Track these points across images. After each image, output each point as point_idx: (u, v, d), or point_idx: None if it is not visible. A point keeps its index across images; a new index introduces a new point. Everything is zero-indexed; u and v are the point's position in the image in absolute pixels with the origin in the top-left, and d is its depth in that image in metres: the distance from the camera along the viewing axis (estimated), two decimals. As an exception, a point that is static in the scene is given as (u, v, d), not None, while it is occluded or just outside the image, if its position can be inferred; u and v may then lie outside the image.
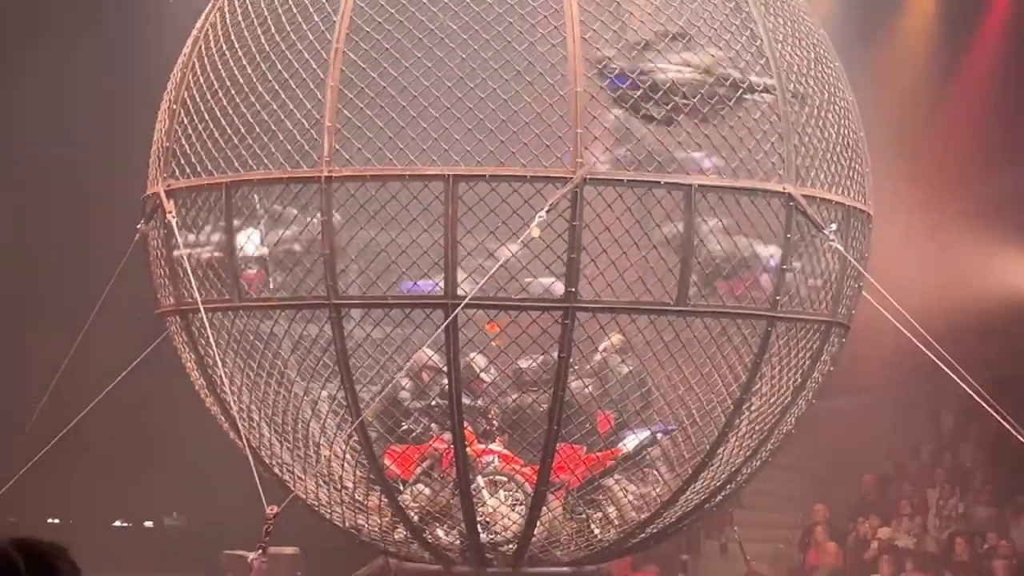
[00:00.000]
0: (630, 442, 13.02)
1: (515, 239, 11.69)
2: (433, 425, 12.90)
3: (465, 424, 12.44)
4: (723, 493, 13.79)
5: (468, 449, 12.49)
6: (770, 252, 12.33)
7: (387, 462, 12.77)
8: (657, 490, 13.07)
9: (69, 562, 2.92)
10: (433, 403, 12.82)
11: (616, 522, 13.17)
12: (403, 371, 12.57)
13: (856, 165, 13.13)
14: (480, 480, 12.81)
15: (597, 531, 13.15)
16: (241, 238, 12.44)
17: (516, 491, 12.90)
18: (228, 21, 12.86)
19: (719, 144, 12.21)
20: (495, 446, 13.10)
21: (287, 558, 17.33)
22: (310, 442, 13.10)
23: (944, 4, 25.65)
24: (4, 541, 2.90)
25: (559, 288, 11.87)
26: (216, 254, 12.59)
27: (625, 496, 13.11)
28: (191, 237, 12.71)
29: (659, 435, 13.05)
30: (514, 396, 13.10)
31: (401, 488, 12.81)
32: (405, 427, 12.90)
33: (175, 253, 12.79)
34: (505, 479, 12.96)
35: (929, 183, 23.33)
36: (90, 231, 20.35)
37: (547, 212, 11.49)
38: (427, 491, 12.87)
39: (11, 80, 21.82)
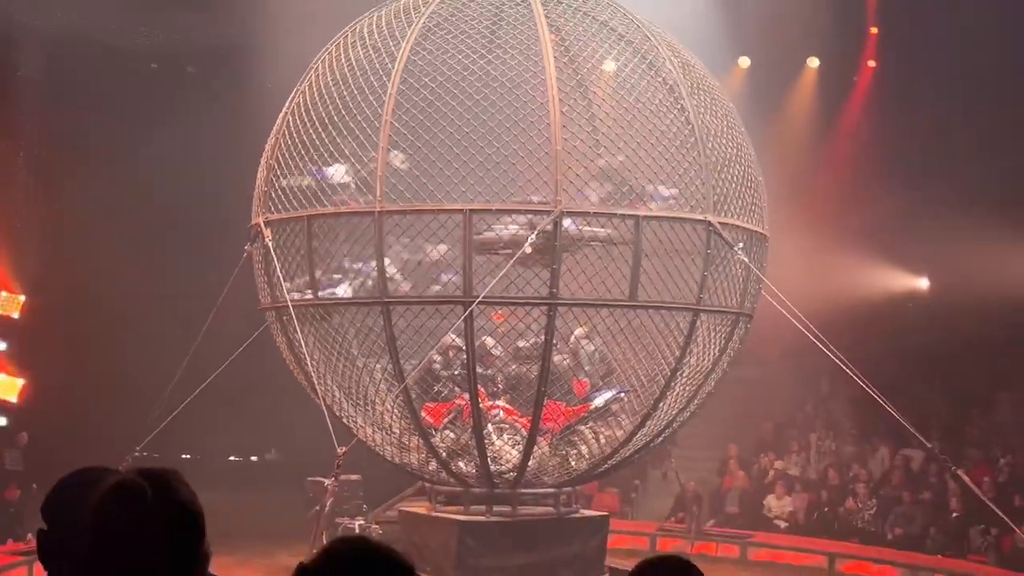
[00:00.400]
0: (599, 400, 13.06)
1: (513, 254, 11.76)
2: (456, 388, 12.96)
3: (479, 387, 12.53)
4: (663, 435, 13.85)
5: (481, 405, 12.58)
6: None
7: (424, 414, 12.84)
8: (618, 433, 13.11)
9: (183, 482, 2.92)
10: (456, 372, 12.88)
11: (587, 456, 13.21)
12: (434, 349, 12.62)
13: (757, 200, 13.17)
14: (490, 427, 12.87)
15: (573, 463, 13.19)
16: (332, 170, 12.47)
17: (515, 435, 12.94)
18: (307, 101, 12.93)
19: (669, 186, 12.30)
20: (500, 402, 13.15)
21: (352, 483, 17.30)
22: (368, 400, 13.16)
23: (822, 85, 25.69)
24: (132, 472, 2.93)
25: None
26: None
27: (596, 438, 13.15)
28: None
29: (622, 395, 13.12)
30: (513, 367, 13.18)
31: (433, 433, 12.86)
32: (436, 389, 12.95)
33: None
34: (507, 426, 13.01)
35: (812, 213, 23.29)
36: (209, 251, 20.37)
37: (536, 235, 11.54)
38: (452, 435, 12.91)
39: (152, 142, 21.87)
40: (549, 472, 13.15)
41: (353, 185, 12.26)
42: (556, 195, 11.67)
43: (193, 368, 14.10)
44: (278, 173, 12.88)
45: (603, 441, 13.20)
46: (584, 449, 13.20)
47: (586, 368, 13.16)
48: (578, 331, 12.96)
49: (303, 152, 12.55)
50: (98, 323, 22.77)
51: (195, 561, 2.91)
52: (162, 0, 22.75)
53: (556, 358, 12.68)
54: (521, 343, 13.17)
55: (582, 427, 13.12)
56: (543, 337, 12.10)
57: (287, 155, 12.78)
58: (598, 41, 12.85)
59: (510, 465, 12.87)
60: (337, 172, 12.25)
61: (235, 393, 19.79)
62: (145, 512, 2.82)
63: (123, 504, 2.84)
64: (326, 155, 12.32)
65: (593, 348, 13.05)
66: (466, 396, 12.54)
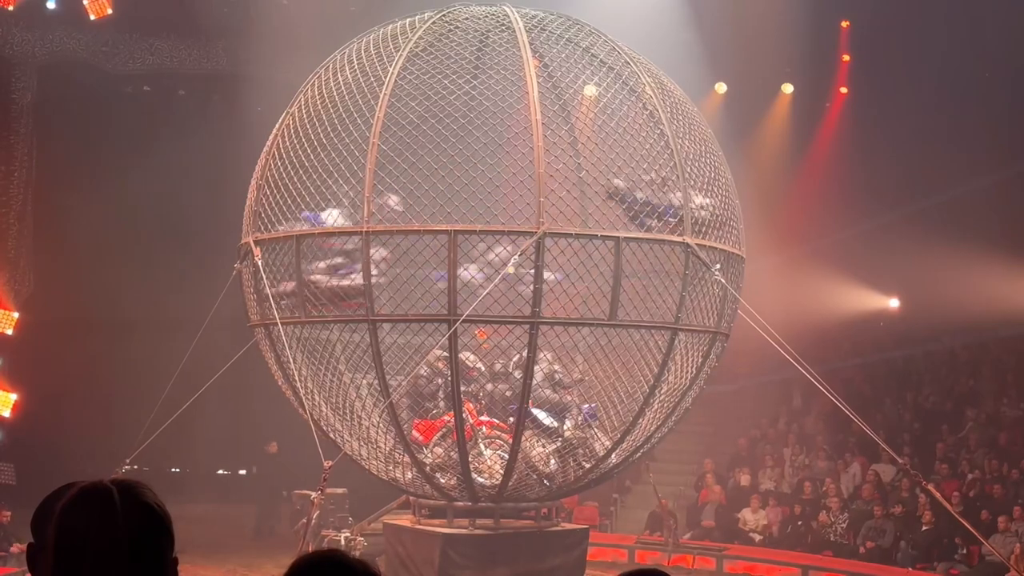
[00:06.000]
0: (543, 418, 12.96)
1: (497, 274, 11.73)
2: (443, 404, 12.94)
3: (467, 401, 12.53)
4: (642, 451, 13.82)
5: (470, 420, 12.56)
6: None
7: (414, 431, 12.82)
8: (603, 443, 13.08)
9: (151, 491, 2.86)
10: (441, 391, 12.88)
11: (559, 479, 13.14)
12: (422, 364, 12.57)
13: (733, 223, 13.18)
14: (480, 442, 12.85)
15: (547, 483, 13.13)
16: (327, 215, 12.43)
17: (500, 449, 12.91)
18: (297, 122, 12.90)
19: (650, 212, 12.29)
20: (484, 417, 13.12)
21: (338, 496, 17.25)
22: (355, 415, 13.11)
23: (796, 111, 25.83)
24: (102, 480, 2.86)
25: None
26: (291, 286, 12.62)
27: (567, 463, 13.10)
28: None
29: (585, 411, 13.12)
30: (489, 386, 13.18)
31: (421, 449, 12.81)
32: (426, 407, 12.93)
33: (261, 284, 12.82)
34: (492, 439, 12.99)
35: (786, 234, 23.43)
36: (199, 269, 20.30)
37: (519, 256, 11.52)
38: (440, 451, 12.87)
39: (144, 162, 21.81)
40: (530, 487, 13.10)
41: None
42: (539, 217, 11.65)
43: (183, 383, 14.03)
44: (268, 193, 12.83)
45: (581, 460, 13.17)
46: (544, 468, 13.09)
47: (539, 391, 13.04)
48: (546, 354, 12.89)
49: (292, 173, 12.52)
50: (90, 339, 22.70)
51: (163, 565, 2.83)
52: (154, 25, 22.74)
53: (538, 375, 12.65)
54: (497, 365, 13.17)
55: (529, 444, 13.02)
56: (525, 354, 12.08)
57: (277, 175, 12.75)
58: (580, 67, 12.86)
59: (493, 480, 12.81)
60: (330, 216, 12.25)
61: (224, 408, 19.74)
62: (112, 515, 2.75)
63: (90, 507, 2.76)
64: (315, 176, 12.29)
65: (545, 369, 12.95)
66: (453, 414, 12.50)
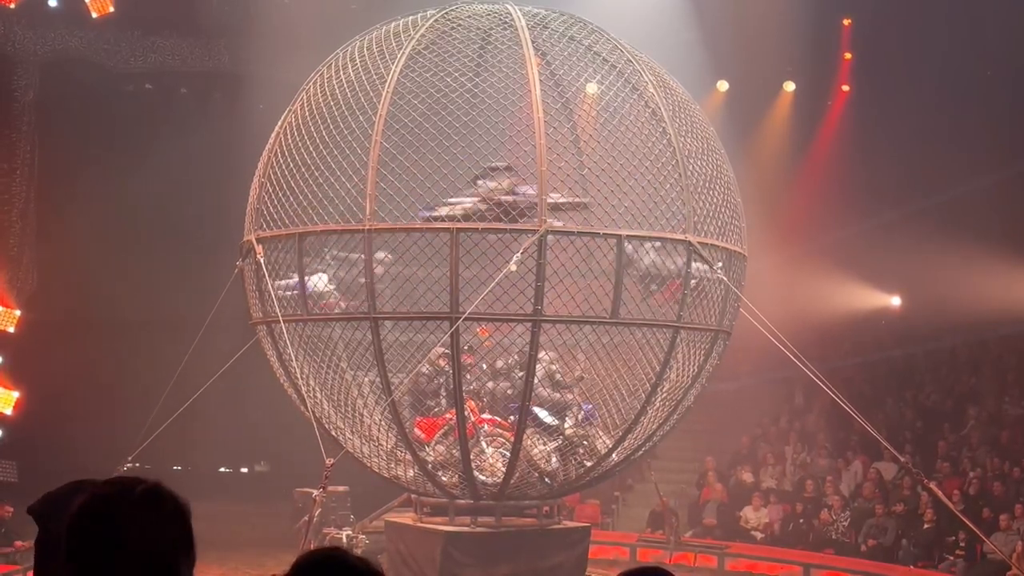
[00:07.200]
0: (543, 416, 12.93)
1: (499, 272, 11.70)
2: (444, 402, 12.92)
3: (469, 399, 12.50)
4: (644, 449, 13.79)
5: (472, 418, 12.53)
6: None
7: (416, 429, 12.79)
8: (605, 442, 13.06)
9: (167, 488, 2.89)
10: (443, 388, 12.85)
11: (560, 477, 13.11)
12: (424, 361, 12.55)
13: (735, 221, 13.15)
14: (482, 440, 12.82)
15: (548, 481, 13.10)
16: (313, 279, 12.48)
17: (502, 447, 12.89)
18: (299, 119, 12.87)
19: (651, 208, 12.22)
20: (486, 415, 13.09)
21: (339, 494, 17.23)
22: (356, 413, 13.09)
23: (798, 108, 25.81)
24: (148, 479, 2.87)
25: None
26: (292, 293, 12.62)
27: (567, 462, 13.07)
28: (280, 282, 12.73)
29: (583, 411, 13.09)
30: (490, 384, 13.15)
31: (423, 447, 12.78)
32: (428, 404, 12.90)
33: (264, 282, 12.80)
34: (493, 437, 12.96)
35: (787, 233, 23.40)
36: (201, 266, 20.26)
37: (521, 254, 11.49)
38: (442, 448, 12.84)
39: (147, 160, 21.80)
40: (532, 485, 13.08)
41: (335, 293, 12.34)
42: (541, 215, 11.63)
43: (185, 381, 14.00)
44: (270, 191, 12.81)
45: (578, 460, 13.14)
46: (545, 466, 13.06)
47: (539, 390, 13.00)
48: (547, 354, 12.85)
49: (295, 171, 12.50)
50: (92, 337, 22.68)
51: (190, 560, 2.85)
52: (156, 23, 22.74)
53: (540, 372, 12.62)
54: (499, 363, 13.14)
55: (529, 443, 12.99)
56: (528, 351, 12.05)
57: (279, 173, 12.72)
58: (583, 65, 12.83)
59: (495, 478, 12.79)
60: (320, 281, 12.32)
61: (225, 406, 19.71)
62: (173, 514, 2.79)
63: (155, 507, 2.78)
64: (316, 173, 12.27)
65: (546, 368, 12.92)
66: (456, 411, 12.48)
